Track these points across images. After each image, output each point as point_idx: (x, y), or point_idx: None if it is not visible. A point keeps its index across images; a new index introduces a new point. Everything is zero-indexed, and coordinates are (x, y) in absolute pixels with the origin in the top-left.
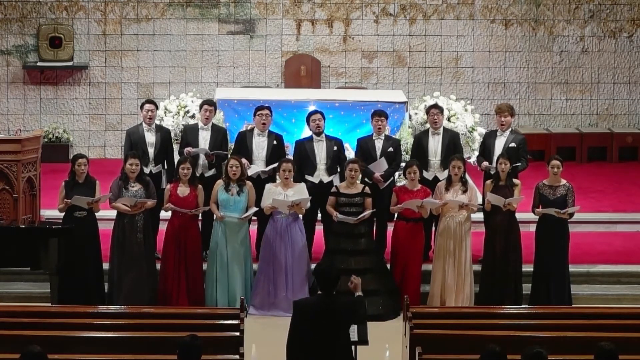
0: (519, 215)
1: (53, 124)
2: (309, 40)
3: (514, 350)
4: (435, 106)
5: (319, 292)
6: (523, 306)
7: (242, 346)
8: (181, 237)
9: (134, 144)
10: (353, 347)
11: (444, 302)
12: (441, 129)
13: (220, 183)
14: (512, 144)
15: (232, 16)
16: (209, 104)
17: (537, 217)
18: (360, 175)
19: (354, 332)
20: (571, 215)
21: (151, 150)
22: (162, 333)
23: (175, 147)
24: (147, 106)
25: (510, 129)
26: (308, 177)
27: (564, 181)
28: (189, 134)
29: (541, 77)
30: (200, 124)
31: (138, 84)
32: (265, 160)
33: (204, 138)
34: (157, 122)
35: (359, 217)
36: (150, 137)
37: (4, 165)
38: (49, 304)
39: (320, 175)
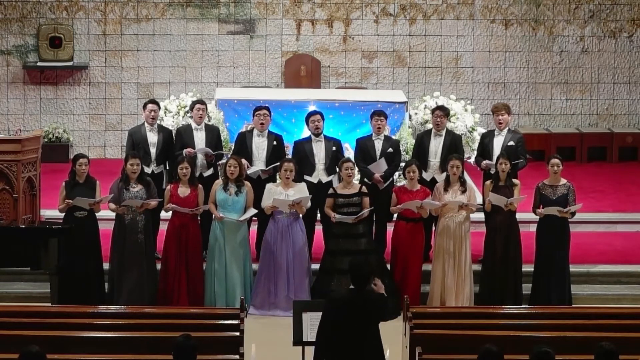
0: (519, 215)
1: (53, 124)
2: (309, 40)
3: (514, 350)
4: (441, 108)
5: (352, 287)
6: (523, 306)
7: (242, 346)
8: (182, 236)
9: (136, 144)
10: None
11: (444, 302)
12: (444, 130)
13: (218, 183)
14: (511, 143)
15: (232, 16)
16: (201, 103)
17: (538, 217)
18: (358, 175)
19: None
20: (573, 214)
21: (153, 151)
22: (162, 333)
23: None
24: (149, 106)
25: (508, 128)
26: (307, 177)
27: (564, 180)
28: (185, 135)
29: (541, 77)
30: (194, 125)
31: (138, 84)
32: (265, 161)
33: (200, 138)
34: (157, 122)
35: (357, 216)
36: (153, 137)
37: (4, 165)
38: (49, 304)
39: (319, 175)
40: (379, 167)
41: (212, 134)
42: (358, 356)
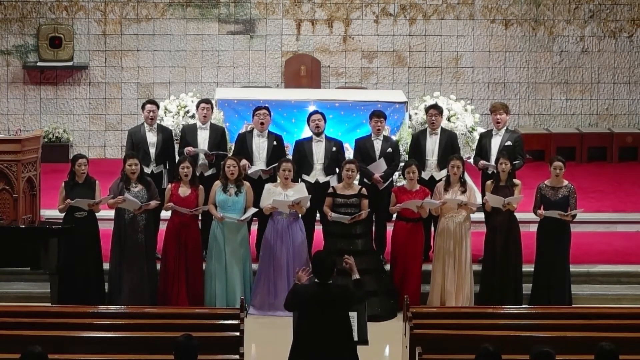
0: (519, 215)
1: (53, 124)
2: (309, 40)
3: (514, 350)
4: (435, 107)
5: (316, 281)
6: (523, 306)
7: (242, 346)
8: (181, 236)
9: (135, 144)
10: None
11: (444, 302)
12: (439, 129)
13: (218, 184)
14: (508, 142)
15: (232, 16)
16: (206, 102)
17: (538, 217)
18: (358, 176)
19: (354, 331)
20: (574, 216)
21: (153, 151)
22: (162, 333)
23: (176, 148)
24: (148, 106)
25: (505, 128)
26: (305, 177)
27: (566, 182)
28: (188, 134)
29: (541, 77)
30: (199, 124)
31: (138, 84)
32: (266, 162)
33: (203, 137)
34: (157, 122)
35: (353, 216)
36: (152, 138)
37: (4, 165)
38: (49, 304)
39: (317, 175)
40: (379, 167)
41: (217, 133)
42: (330, 347)
